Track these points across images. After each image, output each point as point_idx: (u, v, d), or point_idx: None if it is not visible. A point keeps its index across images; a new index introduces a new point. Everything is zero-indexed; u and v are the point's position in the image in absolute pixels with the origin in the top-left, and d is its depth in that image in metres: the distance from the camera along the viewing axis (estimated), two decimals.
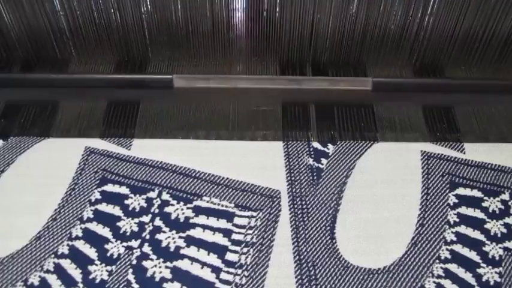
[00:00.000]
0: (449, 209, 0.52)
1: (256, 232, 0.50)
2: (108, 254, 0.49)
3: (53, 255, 0.49)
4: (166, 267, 0.48)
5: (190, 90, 0.56)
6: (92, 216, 0.51)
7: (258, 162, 0.55)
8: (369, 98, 0.58)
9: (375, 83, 0.56)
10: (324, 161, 0.56)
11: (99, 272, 0.47)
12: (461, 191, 0.54)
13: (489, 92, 0.58)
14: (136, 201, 0.52)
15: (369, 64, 0.63)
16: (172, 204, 0.52)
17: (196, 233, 0.50)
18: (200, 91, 0.56)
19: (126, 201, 0.52)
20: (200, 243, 0.49)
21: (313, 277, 0.47)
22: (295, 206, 0.52)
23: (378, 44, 0.60)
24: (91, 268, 0.48)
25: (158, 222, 0.51)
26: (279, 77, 0.60)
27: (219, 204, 0.52)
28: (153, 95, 0.59)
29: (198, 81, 0.56)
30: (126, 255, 0.49)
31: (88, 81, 0.58)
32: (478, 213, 0.52)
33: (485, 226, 0.51)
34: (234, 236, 0.50)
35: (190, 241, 0.49)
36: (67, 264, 0.48)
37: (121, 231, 0.50)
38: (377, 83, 0.56)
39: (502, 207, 0.52)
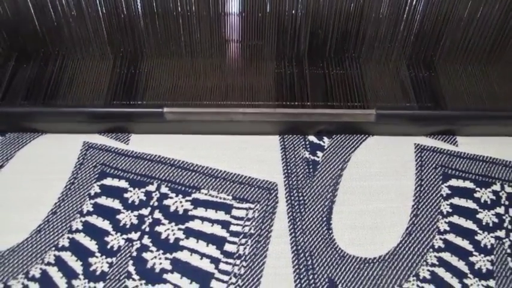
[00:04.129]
0: (442, 200, 0.53)
1: (254, 223, 0.51)
2: (109, 246, 0.49)
3: (53, 248, 0.49)
4: (166, 258, 0.49)
5: (182, 121, 0.56)
6: (91, 209, 0.52)
7: (255, 155, 0.56)
8: (371, 126, 0.58)
9: (378, 115, 0.55)
10: (319, 154, 0.57)
11: (99, 264, 0.48)
12: (453, 182, 0.55)
13: (492, 121, 0.57)
14: (135, 195, 0.53)
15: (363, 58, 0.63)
16: (171, 197, 0.53)
17: (195, 225, 0.51)
18: (193, 122, 0.56)
19: (125, 195, 0.53)
20: (199, 235, 0.50)
21: (310, 266, 0.48)
22: (292, 197, 0.53)
23: (371, 38, 0.61)
24: (91, 260, 0.48)
25: (157, 214, 0.52)
26: (276, 110, 0.56)
27: (217, 197, 0.53)
28: (144, 125, 0.58)
29: (191, 116, 0.55)
30: (126, 247, 0.49)
31: (77, 114, 0.56)
32: (470, 204, 0.53)
33: (478, 216, 0.52)
34: (232, 228, 0.51)
35: (190, 233, 0.50)
36: (68, 256, 0.49)
37: (121, 224, 0.51)
38: (380, 115, 0.55)
39: (494, 197, 0.54)
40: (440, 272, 0.48)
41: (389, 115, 0.56)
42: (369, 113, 0.55)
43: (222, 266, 0.48)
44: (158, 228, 0.51)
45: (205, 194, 0.53)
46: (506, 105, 0.58)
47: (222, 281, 0.47)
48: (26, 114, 0.57)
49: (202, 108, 0.55)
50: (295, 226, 0.51)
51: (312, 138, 0.58)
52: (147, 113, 0.56)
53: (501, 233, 0.51)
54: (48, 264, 0.48)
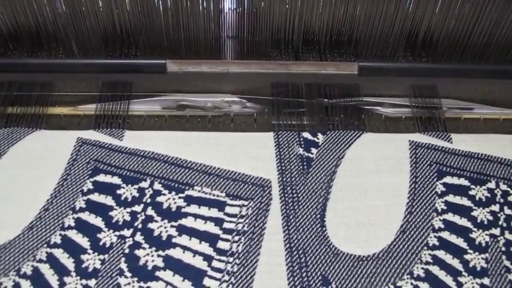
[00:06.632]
0: (437, 197, 0.53)
1: (247, 221, 0.51)
2: (101, 243, 0.49)
3: (45, 245, 0.49)
4: (159, 255, 0.48)
5: (182, 74, 0.58)
6: (84, 206, 0.52)
7: (249, 152, 0.56)
8: (355, 81, 0.60)
9: (360, 67, 0.57)
10: (314, 150, 0.56)
11: (91, 261, 0.48)
12: (448, 179, 0.55)
13: (473, 76, 0.59)
14: (128, 191, 0.53)
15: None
16: (164, 194, 0.53)
17: (188, 222, 0.51)
18: (192, 75, 0.58)
19: (118, 191, 0.53)
20: (192, 232, 0.50)
21: (304, 264, 0.48)
22: (286, 195, 0.53)
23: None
24: (84, 257, 0.48)
25: (150, 211, 0.51)
26: (268, 61, 0.61)
27: (210, 194, 0.53)
28: (146, 79, 0.60)
29: (190, 66, 0.58)
30: (119, 244, 0.49)
31: (82, 66, 0.59)
32: (465, 201, 0.53)
33: (472, 214, 0.52)
34: (226, 225, 0.50)
35: (182, 230, 0.50)
36: (60, 253, 0.48)
37: (113, 221, 0.50)
38: (363, 68, 0.58)
39: (489, 195, 0.54)
40: (435, 270, 0.48)
41: (372, 67, 0.59)
42: (351, 64, 0.59)
43: (215, 264, 0.48)
44: (151, 225, 0.50)
45: (199, 191, 0.53)
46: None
47: (215, 279, 0.47)
48: (36, 66, 0.60)
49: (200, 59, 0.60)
50: (289, 223, 0.51)
51: (306, 134, 0.58)
52: (151, 65, 0.59)
53: (496, 231, 0.51)
54: (40, 261, 0.48)
